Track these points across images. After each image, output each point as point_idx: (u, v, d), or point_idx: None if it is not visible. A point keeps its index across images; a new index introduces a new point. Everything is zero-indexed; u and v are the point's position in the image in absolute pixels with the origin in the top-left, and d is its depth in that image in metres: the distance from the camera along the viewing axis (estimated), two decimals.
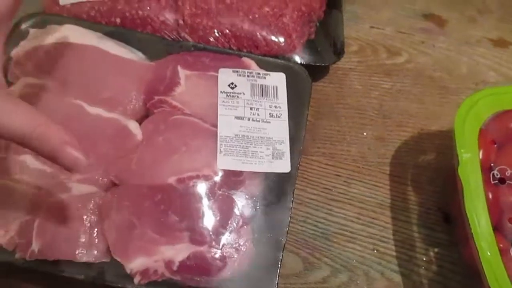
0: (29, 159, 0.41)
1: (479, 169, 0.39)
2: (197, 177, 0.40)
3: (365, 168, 0.51)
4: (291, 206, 0.42)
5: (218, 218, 0.40)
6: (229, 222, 0.40)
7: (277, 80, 0.47)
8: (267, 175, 0.43)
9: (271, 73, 0.47)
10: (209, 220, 0.39)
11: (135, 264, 0.37)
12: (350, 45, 0.58)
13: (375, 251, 0.46)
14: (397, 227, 0.48)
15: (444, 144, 0.52)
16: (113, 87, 0.45)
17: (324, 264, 0.45)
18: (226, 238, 0.39)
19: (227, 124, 0.43)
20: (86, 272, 0.38)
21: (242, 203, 0.41)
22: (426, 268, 0.46)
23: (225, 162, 0.42)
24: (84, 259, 0.38)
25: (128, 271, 0.37)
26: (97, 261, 0.38)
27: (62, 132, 0.32)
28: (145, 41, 0.49)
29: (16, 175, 0.40)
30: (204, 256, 0.38)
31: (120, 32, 0.49)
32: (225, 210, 0.40)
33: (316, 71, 0.54)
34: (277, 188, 0.42)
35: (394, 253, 0.47)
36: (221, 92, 0.45)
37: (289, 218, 0.41)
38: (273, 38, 0.51)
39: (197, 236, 0.39)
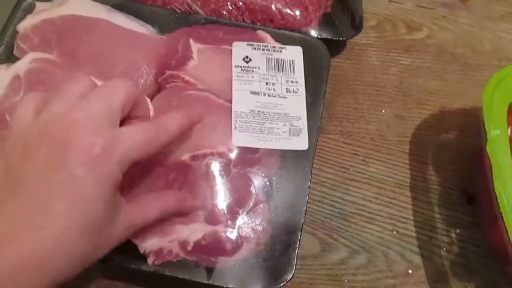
0: None
1: (508, 146, 0.37)
2: (212, 154, 0.39)
3: (383, 147, 0.49)
4: (309, 185, 0.40)
5: (233, 197, 0.38)
6: (245, 201, 0.38)
7: (294, 54, 0.45)
8: (283, 152, 0.41)
9: (287, 46, 0.45)
10: (224, 199, 0.38)
11: (149, 244, 0.36)
12: (368, 19, 0.55)
13: (394, 232, 0.45)
14: (417, 208, 0.46)
15: (466, 122, 0.50)
16: (124, 62, 0.43)
17: (341, 245, 0.44)
18: (242, 217, 0.38)
19: (242, 100, 0.42)
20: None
21: (258, 182, 0.39)
22: (448, 249, 0.44)
23: (240, 138, 0.40)
24: None
25: (142, 251, 0.36)
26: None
27: (177, 198, 0.37)
28: (155, 14, 0.47)
29: None
30: (219, 236, 0.37)
31: (129, 5, 0.47)
32: (241, 189, 0.38)
33: (332, 46, 0.52)
34: (295, 166, 0.41)
35: (414, 234, 0.45)
36: (235, 66, 0.43)
37: (307, 198, 0.40)
38: (289, 11, 0.49)
39: (212, 216, 0.37)
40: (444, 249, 0.44)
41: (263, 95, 0.42)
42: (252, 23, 0.49)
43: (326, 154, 0.48)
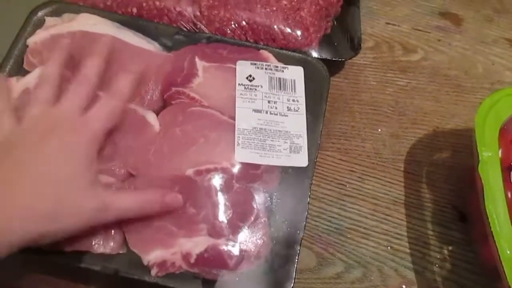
0: None
1: (499, 168, 0.39)
2: (215, 169, 0.40)
3: (379, 165, 0.50)
4: (308, 200, 0.42)
5: (235, 211, 0.39)
6: (247, 215, 0.39)
7: (295, 73, 0.46)
8: (284, 169, 0.42)
9: (289, 66, 0.46)
10: (226, 213, 0.39)
11: (152, 256, 0.37)
12: (366, 41, 0.57)
13: (389, 247, 0.46)
14: (411, 224, 0.48)
15: (459, 142, 0.52)
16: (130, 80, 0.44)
17: (338, 260, 0.45)
18: (243, 231, 0.39)
19: (245, 117, 0.43)
20: (103, 263, 0.37)
21: (259, 197, 0.40)
22: (440, 266, 0.46)
23: (243, 154, 0.41)
24: (101, 250, 0.37)
25: (146, 263, 0.37)
26: (114, 253, 0.38)
27: (157, 193, 0.38)
28: (162, 32, 0.48)
29: None
30: (222, 249, 0.38)
31: (137, 22, 0.49)
32: (243, 204, 0.40)
33: (331, 66, 0.54)
34: (295, 182, 0.42)
35: (408, 250, 0.46)
36: (239, 84, 0.45)
37: (306, 213, 0.41)
38: (290, 31, 0.51)
39: (214, 229, 0.38)
40: (437, 265, 0.46)
41: (265, 113, 0.44)
42: (255, 42, 0.50)
43: (324, 171, 0.50)
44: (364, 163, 0.50)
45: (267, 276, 0.38)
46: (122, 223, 0.38)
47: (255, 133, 0.43)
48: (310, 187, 0.42)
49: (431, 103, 0.54)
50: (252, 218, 0.39)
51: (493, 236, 0.36)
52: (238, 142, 0.42)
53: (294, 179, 0.42)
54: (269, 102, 0.44)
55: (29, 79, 0.43)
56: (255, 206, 0.40)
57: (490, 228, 0.37)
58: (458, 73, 0.57)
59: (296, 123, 0.44)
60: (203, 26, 0.50)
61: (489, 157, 0.39)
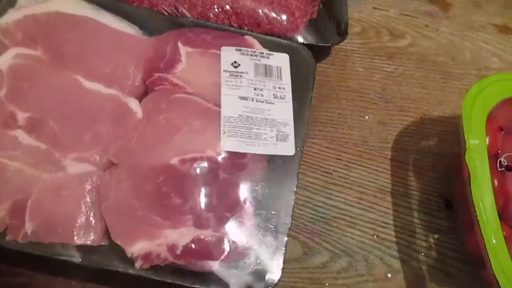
0: (21, 135, 0.39)
1: (486, 156, 0.39)
2: (201, 158, 0.39)
3: (366, 152, 0.50)
4: (295, 189, 0.41)
5: (221, 201, 0.38)
6: (233, 206, 0.38)
7: (281, 60, 0.45)
8: (271, 157, 0.41)
9: (274, 53, 0.45)
10: (212, 203, 0.38)
11: (136, 248, 0.36)
12: (353, 26, 0.56)
13: (375, 236, 0.46)
14: (398, 213, 0.47)
15: (446, 130, 0.51)
16: (111, 62, 0.43)
17: (323, 249, 0.45)
18: (229, 222, 0.38)
19: (231, 104, 0.42)
20: (84, 255, 0.36)
21: (245, 186, 0.39)
22: (426, 254, 0.46)
23: (228, 143, 0.40)
24: (81, 242, 0.36)
25: (129, 255, 0.36)
26: (95, 244, 0.36)
27: None
28: (143, 16, 0.46)
29: (8, 151, 0.38)
30: (208, 240, 0.37)
31: (116, 4, 0.47)
32: (229, 194, 0.39)
33: (317, 52, 0.52)
34: (281, 171, 0.41)
35: (394, 239, 0.46)
36: (224, 70, 0.43)
37: (293, 202, 0.40)
38: (276, 16, 0.49)
39: (201, 220, 0.37)
40: (423, 253, 0.46)
41: (251, 100, 0.42)
42: (239, 27, 0.49)
43: (310, 159, 0.49)
44: (351, 151, 0.50)
45: (255, 267, 0.38)
46: (104, 213, 0.37)
47: (241, 121, 0.41)
48: (298, 177, 0.41)
49: (418, 89, 0.54)
50: (239, 209, 0.38)
51: (479, 225, 0.36)
52: (224, 130, 0.41)
53: (281, 168, 0.41)
54: (255, 89, 0.43)
55: (1, 61, 0.41)
56: (241, 196, 0.39)
57: (476, 216, 0.36)
58: (445, 59, 0.56)
59: (283, 111, 0.43)
60: (185, 10, 0.48)
61: (476, 145, 0.39)
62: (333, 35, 0.51)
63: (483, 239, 0.36)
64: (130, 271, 0.36)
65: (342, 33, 0.51)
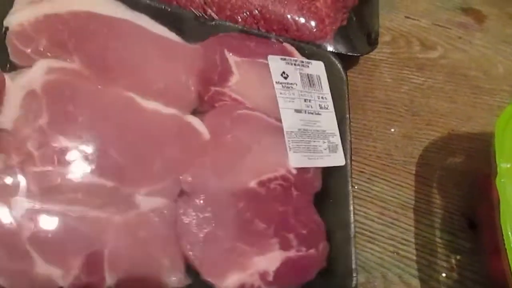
0: (79, 172, 0.32)
1: None
2: (275, 178, 0.38)
3: (390, 166, 0.49)
4: (351, 199, 0.41)
5: (297, 219, 0.38)
6: (308, 222, 0.38)
7: (318, 69, 0.44)
8: (324, 170, 0.41)
9: (312, 61, 0.44)
10: (291, 223, 0.38)
11: (229, 281, 0.34)
12: (383, 34, 0.55)
13: (395, 253, 0.45)
14: (419, 230, 0.46)
15: (473, 147, 0.50)
16: (165, 75, 0.38)
17: None
18: (307, 239, 0.38)
19: (290, 118, 0.41)
20: None
21: (311, 202, 0.40)
22: (447, 275, 0.44)
23: (296, 159, 0.40)
24: (173, 285, 0.32)
25: None
26: (183, 285, 0.33)
27: None
28: (177, 17, 0.42)
29: (69, 194, 0.31)
30: (294, 260, 0.37)
31: (148, 4, 0.40)
32: (304, 212, 0.39)
33: (345, 61, 0.52)
34: (337, 182, 0.42)
35: (414, 257, 0.45)
36: (276, 82, 0.42)
37: (352, 211, 0.41)
38: (305, 22, 0.48)
39: (284, 242, 0.37)
40: (443, 274, 0.44)
41: (304, 112, 0.42)
42: (266, 32, 0.48)
43: None
44: (374, 164, 0.48)
45: (332, 277, 0.38)
46: (187, 250, 0.33)
47: (300, 135, 0.41)
48: (351, 184, 0.42)
49: (447, 104, 0.52)
50: (313, 225, 0.38)
51: (506, 253, 0.35)
52: (289, 146, 0.40)
53: (336, 179, 0.42)
54: (305, 101, 0.42)
55: (32, 78, 0.32)
56: (314, 212, 0.39)
57: (504, 244, 0.35)
58: (477, 73, 0.54)
59: (329, 121, 0.43)
60: (213, 13, 0.48)
61: (507, 169, 0.37)
62: (363, 44, 0.50)
63: (510, 267, 0.35)
64: None
65: (372, 43, 0.50)
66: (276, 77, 0.42)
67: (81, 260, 0.30)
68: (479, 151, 0.49)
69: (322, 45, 0.48)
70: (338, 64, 0.46)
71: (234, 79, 0.41)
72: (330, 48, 0.48)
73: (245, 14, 0.48)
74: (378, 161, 0.49)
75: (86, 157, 0.32)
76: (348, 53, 0.49)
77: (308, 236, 0.38)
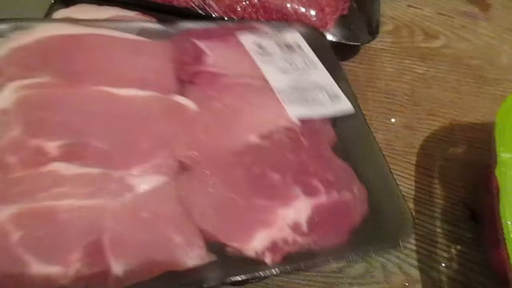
0: (61, 166, 0.31)
1: None
2: (277, 130, 0.37)
3: (390, 157, 0.48)
4: (375, 144, 0.40)
5: (318, 166, 0.35)
6: (331, 167, 0.36)
7: (295, 37, 0.45)
8: (335, 123, 0.40)
9: (286, 33, 0.45)
10: (311, 169, 0.35)
11: (257, 242, 0.31)
12: (385, 23, 0.54)
13: None
14: (420, 221, 0.46)
15: (476, 137, 0.49)
16: (137, 67, 0.38)
17: None
18: (336, 183, 0.35)
19: (276, 78, 0.41)
20: (202, 278, 0.29)
21: (330, 151, 0.38)
22: (447, 265, 0.44)
23: (294, 110, 0.38)
24: (191, 263, 0.30)
25: (253, 254, 0.30)
26: (205, 262, 0.30)
27: None
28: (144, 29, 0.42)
29: (51, 190, 0.30)
30: (327, 206, 0.33)
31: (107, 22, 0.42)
32: (320, 158, 0.36)
33: (346, 50, 0.51)
34: (354, 130, 0.40)
35: (414, 247, 0.45)
36: (253, 52, 0.42)
37: (380, 149, 0.40)
38: (305, 11, 0.48)
39: (310, 188, 0.34)
40: (443, 264, 0.44)
41: (290, 71, 0.42)
42: (267, 22, 0.48)
43: None
44: None
45: (384, 220, 0.35)
46: (202, 221, 0.31)
47: (292, 90, 0.40)
48: (370, 130, 0.41)
49: (449, 93, 0.52)
50: (335, 168, 0.36)
51: (505, 243, 0.34)
52: (283, 100, 0.39)
53: (349, 127, 0.40)
54: (289, 63, 0.42)
55: (2, 98, 0.33)
56: (336, 158, 0.37)
57: (503, 234, 0.35)
58: (481, 63, 0.54)
59: (321, 75, 0.42)
60: (212, 3, 0.48)
61: (508, 159, 0.37)
62: (364, 33, 0.50)
63: (509, 258, 0.34)
64: (263, 271, 0.30)
65: (373, 32, 0.50)
66: (252, 49, 0.42)
67: (79, 253, 0.29)
68: (482, 141, 0.49)
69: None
70: (317, 32, 0.46)
71: (209, 59, 0.41)
72: (330, 38, 0.48)
73: (244, 3, 0.48)
74: None
75: (66, 152, 0.32)
76: (349, 42, 0.49)
77: (335, 181, 0.35)
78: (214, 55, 0.42)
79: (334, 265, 0.34)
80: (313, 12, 0.48)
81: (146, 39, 0.41)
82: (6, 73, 0.34)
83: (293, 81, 0.40)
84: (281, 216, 0.32)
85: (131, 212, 0.31)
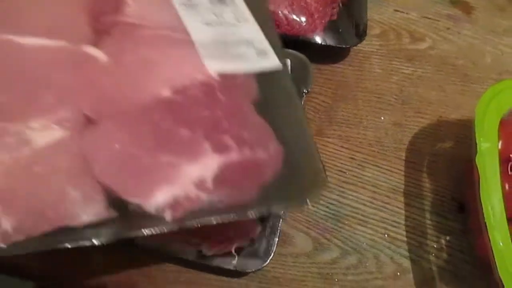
0: None
1: (497, 159, 0.39)
2: (193, 84, 0.34)
3: (380, 153, 0.50)
4: (299, 100, 0.40)
5: (232, 122, 0.34)
6: (246, 124, 0.34)
7: None
8: (260, 79, 0.38)
9: None
10: (224, 125, 0.33)
11: (158, 198, 0.30)
12: (373, 27, 0.57)
13: (386, 235, 0.47)
14: (410, 213, 0.48)
15: (462, 133, 0.52)
16: (49, 16, 0.35)
17: (334, 245, 0.46)
18: (249, 140, 0.33)
19: (199, 31, 0.37)
20: (95, 233, 0.28)
21: (250, 107, 0.36)
22: (436, 255, 0.46)
23: (214, 64, 0.36)
24: (86, 219, 0.29)
25: (153, 210, 0.30)
26: (104, 217, 0.29)
27: None
28: None
29: None
30: (237, 163, 0.32)
31: None
32: (236, 114, 0.35)
33: (336, 53, 0.54)
34: (278, 88, 0.39)
35: (405, 239, 0.47)
36: (178, 4, 0.39)
37: (303, 111, 0.39)
38: (295, 17, 0.51)
39: (220, 145, 0.33)
40: (433, 254, 0.46)
41: (216, 25, 0.39)
42: None
43: (324, 157, 0.50)
44: (365, 151, 0.50)
45: (296, 177, 0.34)
46: (102, 177, 0.30)
47: (215, 44, 0.37)
48: (294, 88, 0.39)
49: (436, 92, 0.54)
50: (252, 124, 0.35)
51: (486, 227, 0.36)
52: (203, 54, 0.36)
53: (274, 84, 0.38)
54: (216, 16, 0.39)
55: None
56: (250, 112, 0.35)
57: (484, 219, 0.37)
58: (465, 63, 0.56)
59: (251, 31, 0.40)
60: None
61: (487, 149, 0.39)
62: (352, 36, 0.52)
63: (490, 242, 0.36)
64: (161, 226, 0.29)
65: (360, 35, 0.52)
66: (176, 0, 0.39)
67: None
68: (468, 136, 0.50)
69: (312, 37, 0.51)
70: None
71: (129, 8, 0.37)
72: (319, 41, 0.51)
73: None
74: (368, 148, 0.50)
75: None
76: (337, 45, 0.51)
77: (250, 138, 0.33)
78: (135, 3, 0.38)
79: (235, 218, 0.31)
80: (303, 19, 0.51)
81: None
82: None
83: (218, 35, 0.38)
84: (185, 172, 0.31)
85: (25, 166, 0.29)
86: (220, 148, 0.32)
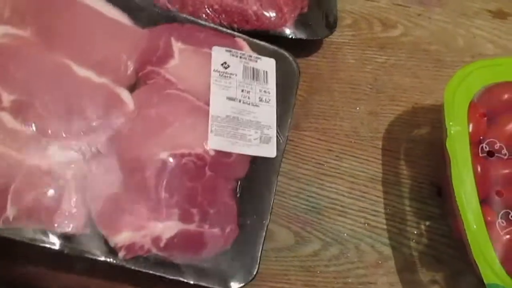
0: (6, 117, 0.37)
1: (467, 142, 0.39)
2: (189, 154, 0.40)
3: (357, 143, 0.50)
4: (274, 190, 0.43)
5: (205, 197, 0.40)
6: (217, 203, 0.40)
7: (268, 65, 0.47)
8: (253, 159, 0.43)
9: (262, 57, 0.47)
10: (198, 199, 0.40)
11: (120, 238, 0.37)
12: (344, 18, 0.57)
13: (366, 224, 0.47)
14: (388, 201, 0.48)
15: (438, 118, 0.51)
16: (105, 50, 0.43)
17: (315, 238, 0.46)
18: (213, 218, 0.40)
19: (219, 104, 0.43)
20: (65, 243, 0.36)
21: (230, 185, 0.41)
22: (417, 241, 0.46)
23: (216, 142, 0.42)
24: (64, 229, 0.36)
25: (112, 245, 0.37)
26: (77, 232, 0.37)
27: None
28: (134, 5, 0.46)
29: None
30: (192, 234, 0.39)
31: None
32: (213, 191, 0.40)
33: (309, 45, 0.54)
34: (263, 172, 0.43)
35: (384, 227, 0.47)
36: (214, 70, 0.44)
37: (272, 202, 0.43)
38: (264, 12, 0.50)
39: (186, 215, 0.39)
40: (414, 240, 0.46)
41: (238, 101, 0.44)
42: (229, 25, 0.50)
43: (302, 151, 0.50)
44: (342, 142, 0.50)
45: (234, 261, 0.39)
46: (89, 202, 0.37)
47: (228, 121, 0.43)
48: (277, 178, 0.44)
49: (410, 79, 0.54)
50: (222, 207, 0.40)
51: (459, 210, 0.37)
52: (211, 129, 0.42)
53: (263, 169, 0.43)
54: (242, 91, 0.45)
55: None
56: (225, 194, 0.41)
57: (457, 202, 0.37)
58: (438, 48, 0.56)
59: (267, 114, 0.45)
60: (176, 10, 0.50)
61: (457, 132, 0.39)
62: (322, 28, 0.52)
63: (464, 225, 0.37)
64: (112, 260, 0.37)
65: (331, 26, 0.52)
66: (215, 65, 0.45)
67: None
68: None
69: (282, 31, 0.51)
70: (292, 62, 0.48)
71: (172, 63, 0.44)
72: (289, 34, 0.51)
73: (207, 9, 0.50)
74: (345, 139, 0.51)
75: (14, 106, 0.38)
76: (308, 38, 0.51)
77: (214, 216, 0.40)
78: (180, 60, 0.45)
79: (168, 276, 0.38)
80: (272, 13, 0.51)
81: (125, 21, 0.44)
82: (2, 13, 0.40)
83: (235, 112, 0.44)
84: (150, 227, 0.38)
85: (40, 174, 0.37)
86: (185, 218, 0.39)
